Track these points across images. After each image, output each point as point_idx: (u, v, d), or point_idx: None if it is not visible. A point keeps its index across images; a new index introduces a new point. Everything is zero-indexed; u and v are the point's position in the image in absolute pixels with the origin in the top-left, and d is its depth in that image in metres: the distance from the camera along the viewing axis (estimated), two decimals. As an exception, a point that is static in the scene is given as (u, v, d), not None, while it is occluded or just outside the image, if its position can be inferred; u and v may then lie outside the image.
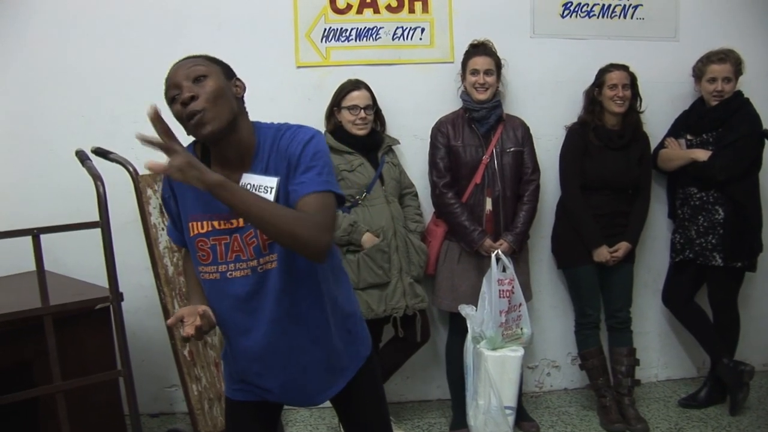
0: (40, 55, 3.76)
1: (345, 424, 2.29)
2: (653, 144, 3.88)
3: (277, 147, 1.89)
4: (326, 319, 2.02)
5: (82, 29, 3.77)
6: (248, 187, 1.86)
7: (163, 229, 3.23)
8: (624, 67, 3.69)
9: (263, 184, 1.86)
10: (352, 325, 2.15)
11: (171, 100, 1.84)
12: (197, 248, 1.95)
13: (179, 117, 1.82)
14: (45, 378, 2.83)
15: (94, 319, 3.17)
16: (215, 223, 1.90)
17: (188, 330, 1.79)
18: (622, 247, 3.70)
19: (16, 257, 3.40)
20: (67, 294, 3.11)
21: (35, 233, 2.82)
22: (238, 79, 1.96)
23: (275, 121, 1.97)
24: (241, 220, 1.88)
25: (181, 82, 1.81)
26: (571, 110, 3.89)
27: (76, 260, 3.70)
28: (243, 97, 1.95)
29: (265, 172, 1.88)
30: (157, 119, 1.62)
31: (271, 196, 1.84)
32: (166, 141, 1.64)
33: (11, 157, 3.83)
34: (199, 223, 1.92)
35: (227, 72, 1.92)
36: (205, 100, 1.79)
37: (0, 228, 2.87)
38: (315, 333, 2.02)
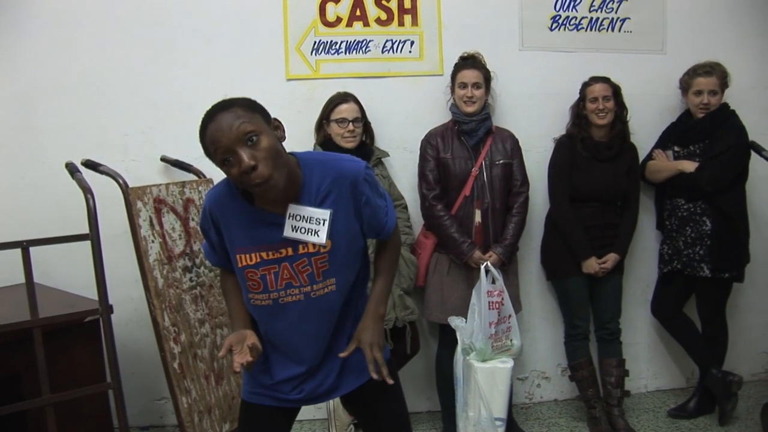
0: (31, 67, 3.77)
1: (363, 426, 2.35)
2: (641, 155, 3.90)
3: (328, 180, 1.94)
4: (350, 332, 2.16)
5: (74, 43, 3.77)
6: (297, 218, 1.92)
7: (153, 241, 3.23)
8: (604, 79, 3.72)
9: (315, 216, 1.92)
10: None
11: (222, 162, 1.79)
12: (247, 278, 2.00)
13: (238, 180, 1.81)
14: (34, 390, 2.83)
15: (83, 331, 3.17)
16: (263, 254, 1.96)
17: (236, 365, 1.89)
18: (611, 258, 3.72)
19: (5, 269, 3.40)
20: (57, 306, 3.11)
21: (24, 246, 2.83)
22: (275, 119, 1.93)
23: (296, 151, 2.02)
24: (290, 249, 1.95)
25: (234, 146, 1.76)
26: (560, 122, 3.91)
27: (66, 272, 3.70)
28: (283, 141, 1.92)
29: (318, 205, 1.93)
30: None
31: (324, 228, 1.92)
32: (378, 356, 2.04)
33: (1, 169, 3.82)
34: (248, 256, 1.97)
35: (266, 117, 1.87)
36: (267, 166, 1.76)
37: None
38: (348, 339, 2.13)
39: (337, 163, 1.97)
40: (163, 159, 3.77)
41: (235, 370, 1.89)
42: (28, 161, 3.81)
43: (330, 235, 1.94)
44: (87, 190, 2.94)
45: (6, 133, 3.80)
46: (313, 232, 1.92)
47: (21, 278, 2.83)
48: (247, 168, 1.75)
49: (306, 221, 1.91)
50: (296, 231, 1.92)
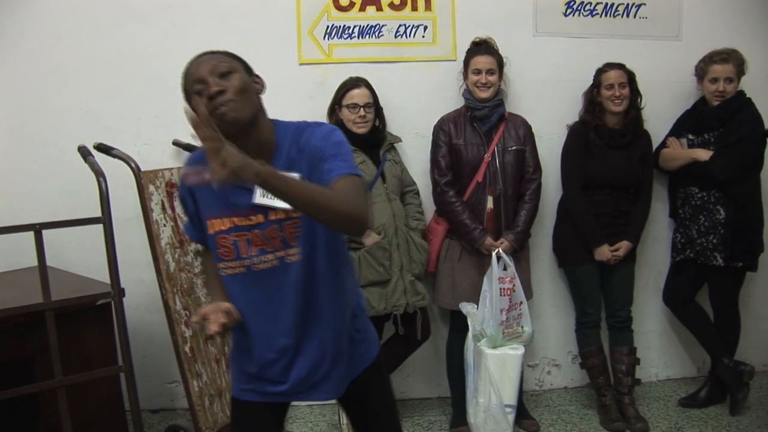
0: (43, 51, 3.77)
1: (354, 423, 2.32)
2: (655, 143, 3.88)
3: (297, 145, 1.91)
4: (341, 315, 2.06)
5: (88, 25, 3.77)
6: None
7: (165, 225, 3.24)
8: (620, 66, 3.69)
9: None
10: (361, 324, 2.17)
11: (194, 93, 1.83)
12: (218, 245, 1.97)
13: (205, 106, 1.76)
14: (46, 373, 2.84)
15: (95, 314, 3.18)
16: (235, 220, 1.93)
17: (213, 327, 1.83)
18: (623, 246, 3.70)
19: (18, 253, 3.42)
20: (69, 289, 3.12)
21: (37, 228, 2.83)
22: (258, 76, 1.97)
23: (277, 118, 1.98)
24: (260, 216, 1.92)
25: (207, 77, 1.81)
26: (574, 109, 3.88)
27: (78, 256, 3.72)
28: (261, 92, 1.96)
29: (287, 169, 1.86)
30: (206, 121, 1.59)
31: None
32: (218, 141, 1.59)
33: (14, 153, 3.84)
34: (220, 221, 1.95)
35: (247, 68, 1.93)
36: (233, 93, 1.80)
37: (2, 223, 2.88)
38: (331, 328, 2.04)
39: (307, 128, 1.94)
40: (176, 143, 3.77)
41: (208, 333, 1.82)
42: (40, 144, 3.82)
43: None
44: (99, 174, 2.95)
45: (19, 115, 3.81)
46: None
47: (33, 261, 2.83)
48: (214, 93, 1.78)
49: None
50: (266, 196, 1.87)
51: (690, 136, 3.82)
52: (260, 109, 1.91)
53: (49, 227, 2.87)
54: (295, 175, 1.83)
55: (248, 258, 1.95)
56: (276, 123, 1.97)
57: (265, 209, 1.91)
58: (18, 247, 3.29)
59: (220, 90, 1.79)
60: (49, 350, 2.78)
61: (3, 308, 2.79)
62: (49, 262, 2.87)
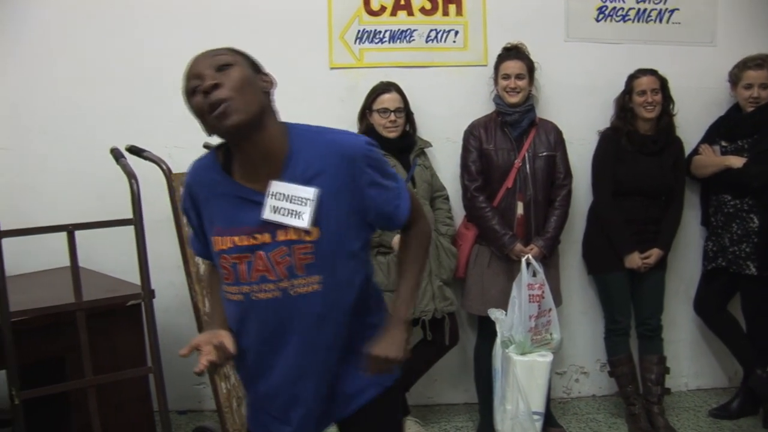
0: (77, 53, 3.81)
1: None
2: (687, 150, 3.84)
3: (320, 155, 1.69)
4: (353, 343, 1.83)
5: (119, 27, 3.82)
6: (278, 196, 1.67)
7: (195, 228, 3.25)
8: (652, 72, 3.66)
9: (298, 195, 1.66)
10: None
11: (191, 93, 1.65)
12: (220, 265, 1.76)
13: (200, 110, 1.63)
14: (77, 372, 2.86)
15: (125, 315, 3.20)
16: (236, 239, 1.71)
17: (201, 365, 1.63)
18: (654, 253, 3.66)
19: (49, 253, 3.45)
20: (100, 290, 3.15)
21: (70, 229, 2.86)
22: (266, 74, 1.75)
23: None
24: (266, 236, 1.69)
25: (203, 71, 1.63)
26: (605, 115, 3.85)
27: (109, 257, 3.74)
28: (271, 93, 1.74)
29: (305, 182, 1.67)
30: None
31: (308, 210, 1.65)
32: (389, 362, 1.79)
33: (47, 154, 3.88)
34: (221, 239, 1.73)
35: (254, 65, 1.73)
36: (231, 88, 1.60)
37: (35, 224, 2.91)
38: (341, 356, 1.83)
39: (333, 137, 1.73)
40: (206, 146, 3.78)
41: (195, 372, 1.62)
42: (73, 146, 3.86)
43: (318, 220, 1.67)
44: (131, 176, 2.96)
45: (54, 118, 3.85)
46: (295, 214, 1.66)
47: (63, 261, 2.86)
48: (208, 87, 1.60)
49: (288, 201, 1.66)
50: (276, 212, 1.66)
51: (723, 143, 3.77)
52: (267, 110, 1.69)
53: (82, 228, 2.89)
54: (313, 191, 1.66)
55: (247, 284, 1.72)
56: (289, 127, 1.74)
57: (274, 228, 1.68)
58: (49, 248, 3.32)
59: (215, 83, 1.60)
60: (80, 350, 2.80)
61: (36, 308, 2.82)
62: (80, 263, 2.89)
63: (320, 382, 1.81)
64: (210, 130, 1.66)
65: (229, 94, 1.59)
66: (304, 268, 1.69)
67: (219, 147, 1.80)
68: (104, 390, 2.90)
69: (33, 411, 2.71)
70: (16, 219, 2.99)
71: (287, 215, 1.66)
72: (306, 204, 1.66)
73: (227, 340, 1.70)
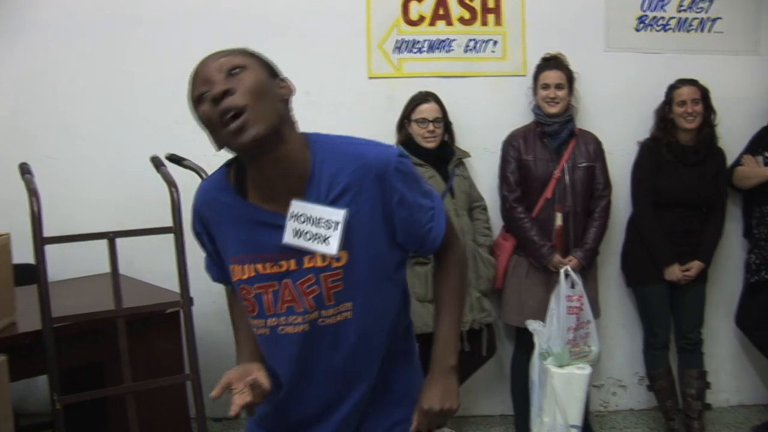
0: (118, 62, 3.86)
1: None
2: (729, 161, 3.78)
3: (345, 170, 1.50)
4: (383, 372, 1.69)
5: (157, 36, 3.86)
6: (301, 218, 1.48)
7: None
8: (692, 82, 3.62)
9: (324, 218, 1.47)
10: (399, 387, 1.75)
11: (197, 100, 1.44)
12: (242, 297, 1.58)
13: (209, 121, 1.42)
14: (115, 378, 2.89)
15: (164, 322, 3.22)
16: (259, 267, 1.52)
17: (235, 408, 1.48)
18: (695, 266, 3.61)
19: (89, 260, 3.48)
20: (138, 297, 3.17)
21: (111, 237, 2.89)
22: (284, 79, 1.53)
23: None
24: (293, 262, 1.51)
25: (212, 75, 1.42)
26: (645, 125, 3.81)
27: (148, 264, 3.77)
28: (290, 101, 1.52)
29: (329, 201, 1.49)
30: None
31: (336, 234, 1.47)
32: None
33: (89, 162, 3.92)
34: (240, 267, 1.54)
35: (270, 68, 1.51)
36: (244, 94, 1.38)
37: (75, 231, 2.95)
38: (373, 385, 1.68)
39: (360, 149, 1.52)
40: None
41: (231, 414, 1.47)
42: (114, 154, 3.90)
43: (346, 244, 1.48)
44: (171, 184, 2.99)
45: (96, 126, 3.90)
46: (321, 239, 1.47)
47: (102, 268, 2.89)
48: (218, 94, 1.38)
49: (313, 224, 1.47)
50: (300, 236, 1.48)
51: (766, 154, 3.72)
52: (286, 120, 1.48)
53: (122, 236, 2.93)
54: (342, 212, 1.47)
55: (274, 316, 1.55)
56: (311, 139, 1.53)
57: (299, 253, 1.50)
58: (89, 255, 3.35)
59: (226, 90, 1.38)
60: (119, 356, 2.82)
61: (77, 314, 2.85)
62: (120, 270, 2.92)
63: (353, 413, 1.67)
64: (221, 144, 1.46)
65: (243, 101, 1.38)
66: (333, 297, 1.53)
67: (230, 163, 1.60)
68: (142, 396, 2.92)
69: (71, 414, 2.73)
70: (58, 226, 3.02)
71: (312, 240, 1.47)
72: (334, 227, 1.47)
73: (261, 376, 1.53)
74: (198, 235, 1.67)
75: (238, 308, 1.69)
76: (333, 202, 1.48)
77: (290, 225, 1.48)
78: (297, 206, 1.48)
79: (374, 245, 1.54)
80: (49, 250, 2.71)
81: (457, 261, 1.72)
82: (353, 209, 1.48)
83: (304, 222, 1.47)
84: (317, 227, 1.47)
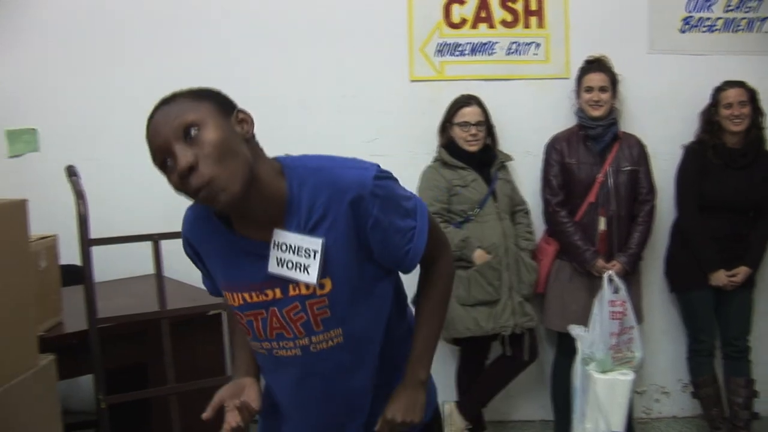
0: (156, 66, 3.88)
1: None
2: (779, 164, 3.71)
3: (320, 196, 1.45)
4: (380, 383, 1.66)
5: (197, 41, 3.89)
6: (283, 247, 1.46)
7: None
8: (739, 84, 3.55)
9: (304, 246, 1.44)
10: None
11: (163, 167, 1.38)
12: (237, 321, 1.61)
13: (180, 190, 1.37)
14: (158, 379, 2.92)
15: (206, 324, 3.25)
16: (246, 296, 1.52)
17: (226, 428, 1.53)
18: (742, 271, 3.54)
19: (130, 261, 3.52)
20: (180, 298, 3.20)
21: (155, 239, 2.91)
22: (241, 111, 1.45)
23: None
24: (278, 291, 1.49)
25: (170, 145, 1.33)
26: (689, 128, 3.75)
27: (189, 266, 3.79)
28: (251, 133, 1.44)
29: (305, 229, 1.45)
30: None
31: (315, 263, 1.44)
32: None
33: (130, 164, 3.95)
34: (231, 295, 1.55)
35: (223, 106, 1.42)
36: (209, 163, 1.32)
37: (117, 233, 2.98)
38: (375, 396, 1.67)
39: (335, 173, 1.46)
40: None
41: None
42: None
43: (328, 271, 1.46)
44: (79, 195, 2.97)
45: (138, 128, 3.91)
46: (302, 268, 1.45)
47: (141, 270, 2.91)
48: (184, 169, 1.31)
49: (293, 253, 1.45)
50: (282, 265, 1.46)
51: (817, 157, 3.64)
52: (256, 159, 1.41)
53: (167, 238, 2.94)
54: (320, 241, 1.44)
55: (267, 341, 1.55)
56: (285, 165, 1.48)
57: (285, 282, 1.48)
58: (130, 256, 3.38)
59: (190, 166, 1.31)
60: (162, 357, 2.85)
61: (122, 315, 2.88)
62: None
63: (357, 429, 1.67)
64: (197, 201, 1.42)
65: (210, 173, 1.31)
66: (321, 324, 1.51)
67: None
68: (183, 397, 2.94)
69: (114, 413, 2.77)
70: (100, 227, 3.05)
71: (293, 269, 1.45)
72: (312, 256, 1.44)
73: (252, 394, 1.58)
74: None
75: (234, 321, 1.67)
76: (312, 230, 1.45)
77: (273, 254, 1.47)
78: (278, 235, 1.46)
79: (355, 269, 1.51)
80: (93, 251, 2.74)
81: (443, 273, 1.68)
82: (332, 236, 1.45)
83: (285, 251, 1.45)
84: (298, 256, 1.45)
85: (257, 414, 1.59)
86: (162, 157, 1.35)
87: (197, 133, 1.33)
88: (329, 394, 1.60)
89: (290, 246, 1.45)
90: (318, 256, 1.43)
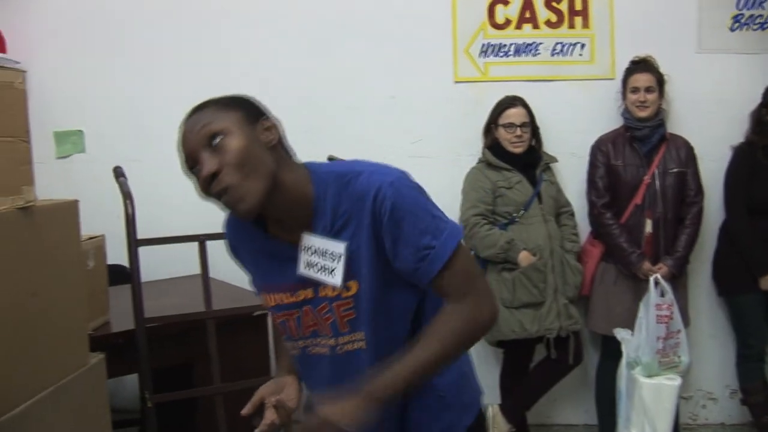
0: (200, 66, 3.92)
1: None
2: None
3: (343, 201, 1.46)
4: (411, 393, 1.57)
5: (240, 42, 3.91)
6: (310, 251, 1.49)
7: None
8: None
9: (329, 250, 1.47)
10: (447, 391, 1.64)
11: (191, 171, 1.46)
12: (273, 321, 1.67)
13: (204, 194, 1.45)
14: (204, 379, 2.93)
15: (251, 325, 3.26)
16: (280, 296, 1.56)
17: (262, 426, 1.57)
18: (792, 274, 3.47)
19: (174, 261, 3.55)
20: (225, 299, 3.21)
21: (202, 239, 2.94)
22: (267, 119, 1.49)
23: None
24: (309, 291, 1.52)
25: (197, 153, 1.41)
26: (739, 129, 3.68)
27: (234, 267, 3.81)
28: (277, 140, 1.48)
29: (330, 232, 1.47)
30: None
31: (340, 266, 1.46)
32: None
33: (176, 166, 3.98)
34: (267, 296, 1.59)
35: (250, 114, 1.47)
36: (230, 172, 1.37)
37: (163, 234, 3.00)
38: (393, 410, 1.58)
39: (357, 180, 1.46)
40: (330, 158, 3.84)
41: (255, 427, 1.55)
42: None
43: (355, 274, 1.47)
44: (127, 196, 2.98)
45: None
46: (328, 271, 1.47)
47: (186, 270, 2.93)
48: (206, 176, 1.38)
49: (320, 256, 1.48)
50: (311, 268, 1.49)
51: None
52: (279, 167, 1.45)
53: (213, 239, 2.95)
54: (343, 245, 1.45)
55: (301, 339, 1.58)
56: (312, 171, 1.51)
57: (316, 282, 1.50)
58: (175, 256, 3.41)
59: (213, 173, 1.38)
60: (207, 357, 2.87)
61: (168, 315, 2.91)
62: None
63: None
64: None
65: (230, 181, 1.37)
66: (347, 325, 1.51)
67: None
68: (228, 397, 2.96)
69: (159, 412, 2.79)
70: (145, 228, 3.08)
71: (321, 272, 1.48)
72: (337, 260, 1.46)
73: (291, 392, 1.64)
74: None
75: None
76: (337, 234, 1.47)
77: (302, 257, 1.50)
78: (307, 239, 1.49)
79: (380, 273, 1.48)
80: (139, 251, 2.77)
81: (468, 319, 1.45)
82: (356, 241, 1.46)
83: (313, 254, 1.48)
84: (324, 259, 1.47)
85: (293, 412, 1.61)
86: (191, 163, 1.43)
87: (221, 141, 1.39)
88: None
89: (317, 249, 1.48)
90: (342, 259, 1.45)
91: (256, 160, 1.39)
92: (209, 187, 1.39)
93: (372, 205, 1.43)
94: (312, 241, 1.48)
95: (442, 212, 1.48)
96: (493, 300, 1.50)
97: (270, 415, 1.58)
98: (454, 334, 1.44)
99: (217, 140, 1.39)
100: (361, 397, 1.42)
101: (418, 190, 1.48)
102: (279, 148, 1.48)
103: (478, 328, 1.47)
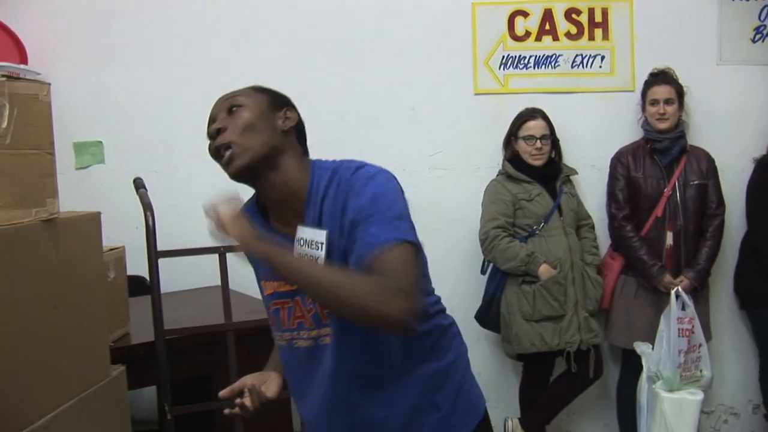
0: (219, 79, 3.88)
1: None
2: None
3: (334, 191, 1.53)
4: (398, 402, 1.62)
5: (260, 51, 3.91)
6: (302, 242, 1.54)
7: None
8: None
9: (314, 239, 1.52)
10: (443, 400, 1.64)
11: (209, 135, 1.62)
12: (266, 311, 1.73)
13: (213, 155, 1.60)
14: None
15: (269, 337, 3.25)
16: (276, 284, 1.62)
17: (228, 408, 1.66)
18: (816, 288, 3.44)
19: (192, 272, 3.55)
20: (244, 311, 3.19)
21: (222, 251, 2.93)
22: (290, 110, 1.64)
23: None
24: None
25: (217, 114, 1.59)
26: (760, 142, 3.67)
27: (252, 278, 3.81)
28: (293, 129, 1.63)
29: (318, 222, 1.54)
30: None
31: (322, 254, 1.49)
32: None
33: (194, 178, 4.00)
34: (266, 284, 1.68)
35: (275, 102, 1.62)
36: (233, 132, 1.53)
37: (182, 245, 3.01)
38: (380, 417, 1.62)
39: (345, 172, 1.53)
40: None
41: (224, 412, 1.66)
42: (219, 170, 3.96)
43: (331, 263, 1.50)
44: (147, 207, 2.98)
45: (202, 143, 3.96)
46: (314, 260, 1.51)
47: (204, 282, 2.93)
48: (214, 130, 1.56)
49: (308, 245, 1.53)
50: (302, 258, 1.52)
51: None
52: (283, 149, 1.57)
53: (233, 250, 2.96)
54: (324, 233, 1.50)
55: (288, 330, 1.63)
56: (312, 165, 1.60)
57: None
58: (194, 268, 3.41)
59: (219, 128, 1.54)
60: (227, 369, 2.86)
61: (188, 327, 2.90)
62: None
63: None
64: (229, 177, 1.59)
65: (231, 138, 1.52)
66: (326, 316, 1.55)
67: (258, 197, 1.72)
68: (248, 410, 2.95)
69: (178, 424, 2.78)
70: (164, 239, 3.09)
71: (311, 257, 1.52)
72: (320, 248, 1.50)
73: (271, 386, 1.72)
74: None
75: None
76: (320, 223, 1.54)
77: (296, 247, 1.56)
78: (300, 230, 1.56)
79: (350, 263, 1.48)
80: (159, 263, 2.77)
81: (374, 294, 1.35)
82: (330, 230, 1.52)
83: (303, 244, 1.54)
84: (310, 248, 1.53)
85: (268, 401, 1.68)
86: (209, 123, 1.60)
87: (238, 111, 1.56)
88: (334, 399, 1.61)
89: (306, 240, 1.54)
90: (323, 247, 1.51)
91: (260, 131, 1.55)
92: (213, 141, 1.56)
93: (346, 193, 1.50)
94: (303, 232, 1.55)
95: (403, 208, 1.51)
96: (408, 306, 1.37)
97: (246, 401, 1.65)
98: (351, 290, 1.37)
99: (236, 110, 1.57)
100: (261, 239, 1.43)
101: (390, 183, 1.53)
102: (292, 136, 1.63)
103: (371, 308, 1.35)
